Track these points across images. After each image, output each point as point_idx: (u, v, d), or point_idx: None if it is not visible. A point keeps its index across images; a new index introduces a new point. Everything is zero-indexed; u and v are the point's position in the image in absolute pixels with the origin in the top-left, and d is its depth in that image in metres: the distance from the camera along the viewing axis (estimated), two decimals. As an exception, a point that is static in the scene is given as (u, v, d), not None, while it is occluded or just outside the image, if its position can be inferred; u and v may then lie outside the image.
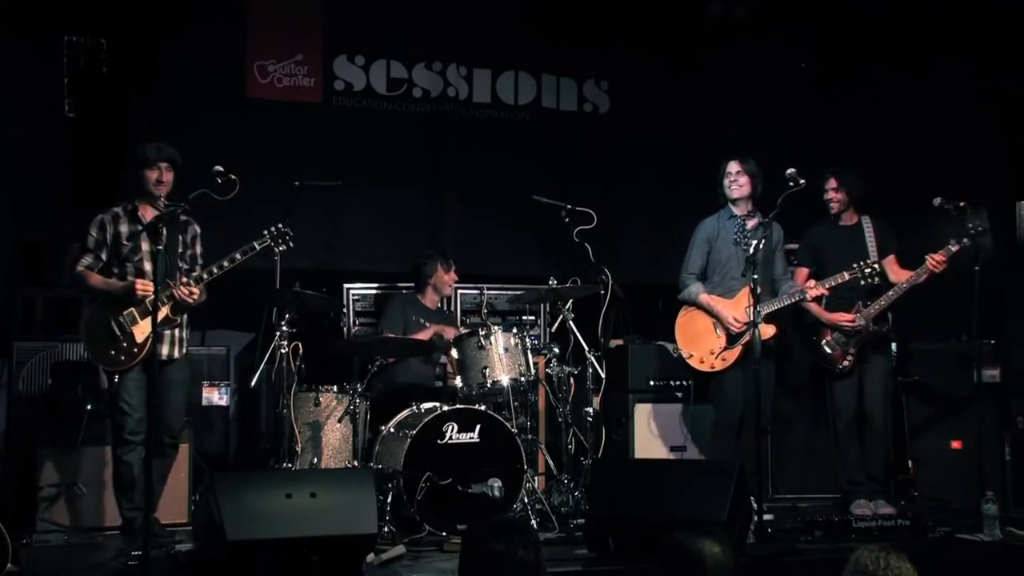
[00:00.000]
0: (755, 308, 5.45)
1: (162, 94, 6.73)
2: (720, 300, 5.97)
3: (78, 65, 6.69)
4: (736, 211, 6.02)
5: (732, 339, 5.90)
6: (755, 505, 5.15)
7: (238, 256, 5.17)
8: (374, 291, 6.82)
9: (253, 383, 5.83)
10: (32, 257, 6.41)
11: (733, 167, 5.99)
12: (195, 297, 5.18)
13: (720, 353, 5.92)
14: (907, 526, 5.25)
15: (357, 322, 6.78)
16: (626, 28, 7.63)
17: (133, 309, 5.12)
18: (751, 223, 5.97)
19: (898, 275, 6.02)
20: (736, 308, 5.89)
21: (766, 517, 5.40)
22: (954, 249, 5.76)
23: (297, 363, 5.59)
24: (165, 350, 5.25)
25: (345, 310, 6.74)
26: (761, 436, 5.56)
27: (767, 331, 5.81)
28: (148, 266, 5.21)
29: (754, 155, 6.08)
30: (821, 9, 7.62)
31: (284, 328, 5.44)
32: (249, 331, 6.36)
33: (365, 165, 7.08)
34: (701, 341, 6.00)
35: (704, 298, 6.00)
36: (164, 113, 6.64)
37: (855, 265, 5.78)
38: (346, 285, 6.79)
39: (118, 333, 5.11)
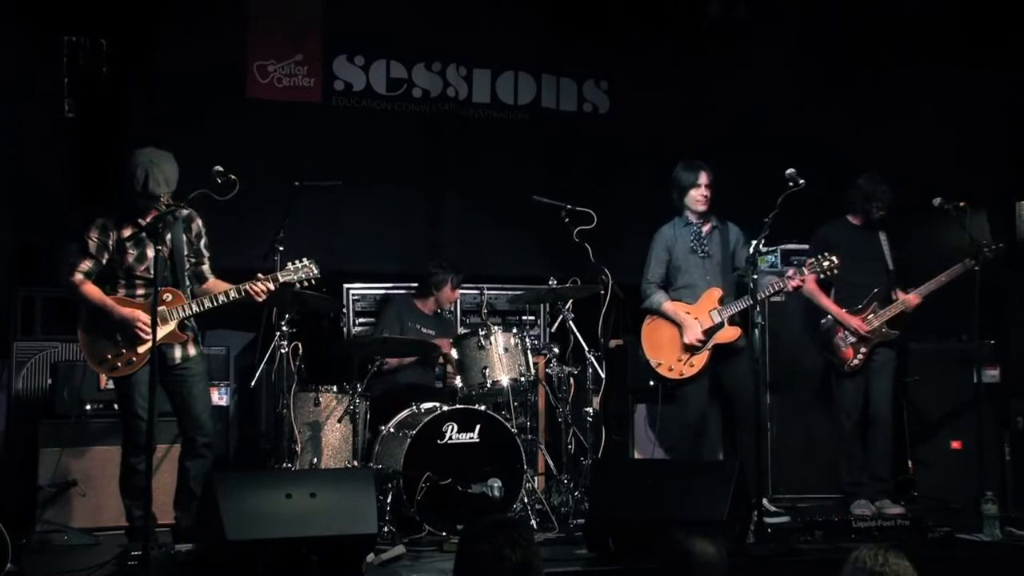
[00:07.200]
0: (755, 308, 5.48)
1: (162, 94, 6.74)
2: (683, 306, 5.99)
3: (78, 65, 6.68)
4: (692, 218, 6.06)
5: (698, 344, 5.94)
6: (769, 508, 5.15)
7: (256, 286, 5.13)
8: (374, 291, 6.82)
9: (253, 383, 5.83)
10: (32, 257, 6.42)
11: (704, 178, 5.97)
12: (263, 296, 5.10)
13: (688, 359, 5.93)
14: (907, 526, 5.25)
15: (357, 322, 6.79)
16: (626, 28, 7.64)
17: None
18: (706, 228, 6.06)
19: None
20: (700, 312, 5.93)
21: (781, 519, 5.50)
22: (971, 265, 5.79)
23: (297, 363, 5.60)
24: (178, 353, 5.13)
25: (345, 310, 6.74)
26: (749, 434, 5.61)
27: (733, 333, 5.89)
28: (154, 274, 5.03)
29: (754, 154, 6.07)
30: (821, 9, 7.62)
31: (284, 328, 5.43)
32: (249, 331, 6.35)
33: (365, 165, 7.08)
34: (668, 349, 6.00)
35: (668, 306, 6.01)
36: (164, 113, 6.64)
37: (811, 260, 5.81)
38: (346, 285, 6.79)
39: (120, 339, 4.99)
